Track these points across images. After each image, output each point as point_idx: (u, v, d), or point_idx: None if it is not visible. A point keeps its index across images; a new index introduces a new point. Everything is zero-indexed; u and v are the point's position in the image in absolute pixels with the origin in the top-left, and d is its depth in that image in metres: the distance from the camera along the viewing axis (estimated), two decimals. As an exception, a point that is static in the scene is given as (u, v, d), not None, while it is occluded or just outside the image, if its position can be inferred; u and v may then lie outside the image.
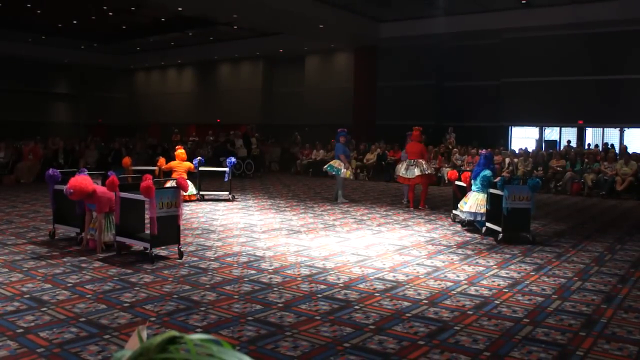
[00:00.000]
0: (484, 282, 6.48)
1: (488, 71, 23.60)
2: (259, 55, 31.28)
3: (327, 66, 29.23)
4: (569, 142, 21.71)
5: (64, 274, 6.53)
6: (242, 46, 29.83)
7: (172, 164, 13.09)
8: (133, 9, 23.84)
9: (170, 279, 6.40)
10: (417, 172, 12.40)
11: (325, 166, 14.03)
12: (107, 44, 32.19)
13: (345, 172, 13.53)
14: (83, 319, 4.98)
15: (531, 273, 6.94)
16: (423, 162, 12.57)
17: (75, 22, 26.65)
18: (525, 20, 20.93)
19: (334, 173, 13.68)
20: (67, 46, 31.58)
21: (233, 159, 13.80)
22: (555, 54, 21.59)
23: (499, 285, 6.35)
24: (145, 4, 22.38)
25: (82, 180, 7.54)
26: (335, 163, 13.63)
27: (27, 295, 5.64)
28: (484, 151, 10.31)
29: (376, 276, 6.65)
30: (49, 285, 6.01)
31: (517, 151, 19.70)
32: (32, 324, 4.83)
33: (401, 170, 12.78)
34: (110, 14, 25.07)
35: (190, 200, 12.99)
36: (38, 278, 6.31)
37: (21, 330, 4.68)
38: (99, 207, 7.55)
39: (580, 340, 4.70)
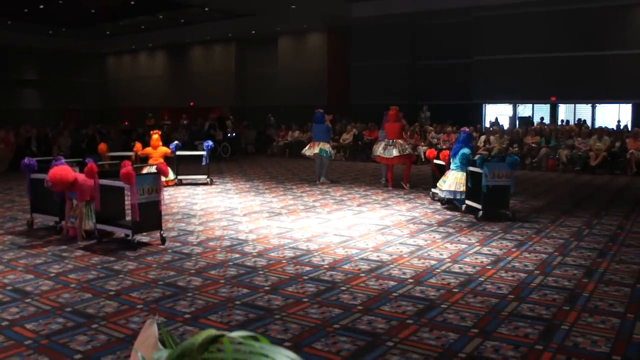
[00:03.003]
0: (467, 259, 6.55)
1: (461, 49, 23.68)
2: (231, 37, 30.96)
3: (300, 47, 29.03)
4: (541, 119, 21.97)
5: (45, 263, 6.44)
6: (214, 28, 29.45)
7: (148, 149, 12.95)
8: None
9: (155, 265, 6.36)
10: (395, 152, 12.39)
11: (316, 151, 13.44)
12: (76, 29, 31.55)
13: (334, 153, 13.69)
14: (69, 309, 4.93)
15: (512, 249, 7.03)
16: (402, 142, 12.57)
17: (42, 6, 26.03)
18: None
19: (327, 156, 13.54)
20: (35, 32, 30.84)
21: (210, 143, 13.66)
22: (526, 31, 21.72)
23: (482, 262, 6.43)
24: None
25: (61, 170, 7.41)
26: (325, 146, 13.50)
27: (10, 287, 5.56)
28: (467, 129, 10.35)
29: (360, 256, 6.68)
30: (31, 276, 5.93)
31: (491, 128, 19.86)
32: (17, 316, 4.77)
33: (379, 150, 12.76)
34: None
35: (168, 185, 12.88)
36: (19, 269, 6.22)
37: (6, 323, 4.61)
38: (80, 195, 7.45)
39: (565, 315, 4.79)
